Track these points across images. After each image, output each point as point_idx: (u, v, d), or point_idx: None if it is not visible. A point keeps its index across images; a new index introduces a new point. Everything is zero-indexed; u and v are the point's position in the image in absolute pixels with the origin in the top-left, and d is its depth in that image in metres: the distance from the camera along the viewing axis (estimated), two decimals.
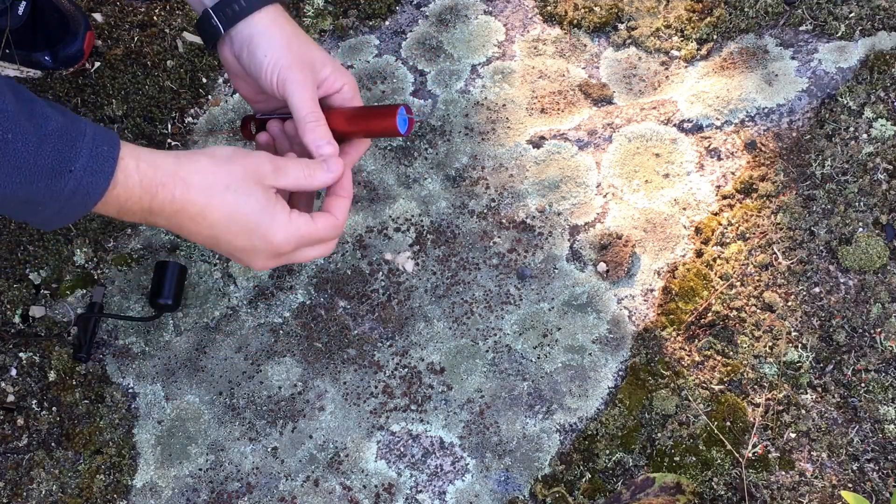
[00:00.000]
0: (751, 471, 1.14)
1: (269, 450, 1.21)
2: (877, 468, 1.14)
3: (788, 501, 1.12)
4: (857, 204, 1.27)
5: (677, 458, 1.15)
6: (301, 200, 1.03)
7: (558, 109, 1.42)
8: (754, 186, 1.31)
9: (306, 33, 1.05)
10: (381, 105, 1.05)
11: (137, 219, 0.88)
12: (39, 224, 0.86)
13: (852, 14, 1.41)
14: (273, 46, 1.00)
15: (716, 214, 1.31)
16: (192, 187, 0.88)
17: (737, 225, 1.29)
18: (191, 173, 0.88)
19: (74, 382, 1.25)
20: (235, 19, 1.01)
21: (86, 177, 0.82)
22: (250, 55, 1.01)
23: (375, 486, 1.18)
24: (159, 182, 0.86)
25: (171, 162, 0.88)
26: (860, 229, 1.25)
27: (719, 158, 1.34)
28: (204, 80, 1.49)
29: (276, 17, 1.02)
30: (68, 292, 1.31)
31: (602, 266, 1.29)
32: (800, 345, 1.20)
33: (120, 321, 1.29)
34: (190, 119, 1.45)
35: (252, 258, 0.95)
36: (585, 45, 1.49)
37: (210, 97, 1.48)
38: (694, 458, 1.15)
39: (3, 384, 1.25)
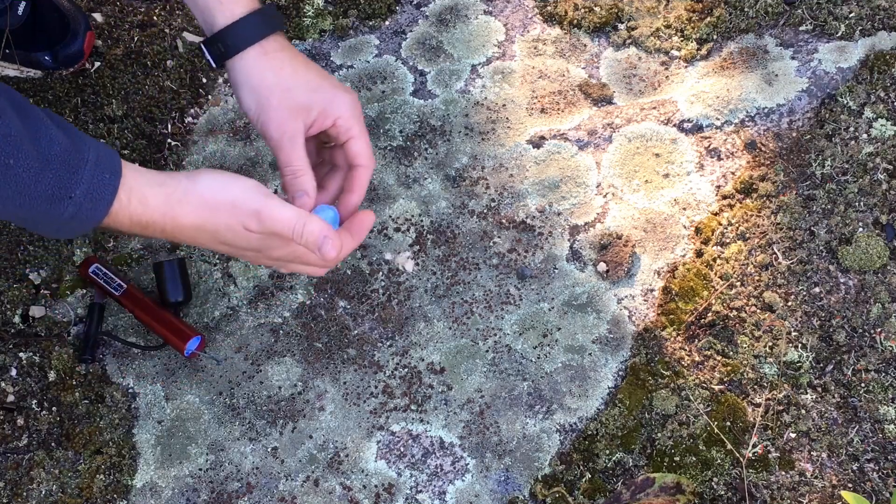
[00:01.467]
0: (751, 471, 1.14)
1: (269, 450, 1.21)
2: (877, 468, 1.13)
3: (788, 501, 1.12)
4: (857, 204, 1.27)
5: (677, 458, 1.15)
6: None
7: (558, 109, 1.42)
8: (754, 186, 1.31)
9: (299, 62, 1.01)
10: (187, 325, 1.25)
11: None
12: (40, 233, 0.90)
13: (852, 14, 1.41)
14: (254, 97, 1.00)
15: (716, 214, 1.30)
16: (182, 228, 0.91)
17: (737, 225, 1.29)
18: (180, 215, 0.90)
19: (74, 382, 1.25)
20: (223, 58, 1.01)
21: (85, 204, 0.85)
22: (238, 99, 1.01)
23: (375, 486, 1.18)
24: (148, 220, 0.89)
25: (161, 202, 0.89)
26: (860, 229, 1.25)
27: (719, 158, 1.34)
28: (204, 80, 1.49)
29: (258, 61, 1.00)
30: (68, 292, 1.31)
31: (602, 266, 1.28)
32: (800, 345, 1.20)
33: (119, 322, 1.29)
34: (190, 119, 1.45)
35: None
36: (585, 45, 1.49)
37: (210, 97, 1.48)
38: (694, 458, 1.15)
39: (3, 384, 1.25)
